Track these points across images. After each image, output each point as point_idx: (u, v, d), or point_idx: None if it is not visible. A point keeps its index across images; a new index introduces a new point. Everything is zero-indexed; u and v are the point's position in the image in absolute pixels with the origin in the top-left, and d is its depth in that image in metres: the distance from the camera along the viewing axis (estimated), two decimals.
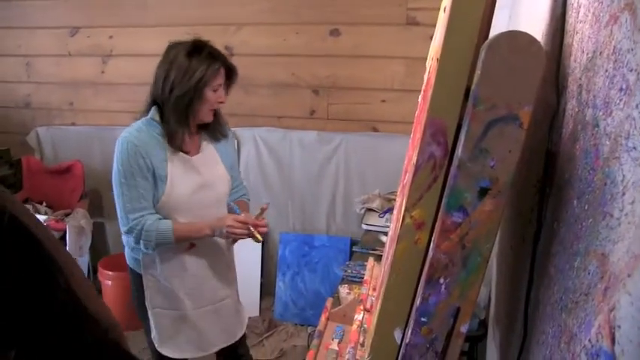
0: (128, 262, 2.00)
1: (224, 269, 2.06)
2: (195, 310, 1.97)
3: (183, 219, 1.86)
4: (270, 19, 3.27)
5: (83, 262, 3.57)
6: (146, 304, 1.94)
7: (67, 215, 3.36)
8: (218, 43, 3.31)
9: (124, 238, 1.95)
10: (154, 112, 1.85)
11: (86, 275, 3.61)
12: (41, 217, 3.21)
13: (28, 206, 3.41)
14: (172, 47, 1.86)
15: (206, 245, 1.96)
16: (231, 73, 1.92)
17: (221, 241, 2.00)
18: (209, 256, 1.98)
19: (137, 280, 1.95)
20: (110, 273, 3.26)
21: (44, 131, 3.79)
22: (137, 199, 1.79)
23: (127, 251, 1.99)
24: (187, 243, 1.90)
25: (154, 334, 1.96)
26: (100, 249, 3.78)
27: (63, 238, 3.20)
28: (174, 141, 1.85)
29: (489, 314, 1.76)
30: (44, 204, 3.54)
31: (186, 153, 1.89)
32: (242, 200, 2.16)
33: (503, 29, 0.68)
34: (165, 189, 1.83)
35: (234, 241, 1.97)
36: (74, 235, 3.22)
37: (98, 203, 3.78)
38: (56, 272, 0.47)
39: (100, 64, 3.64)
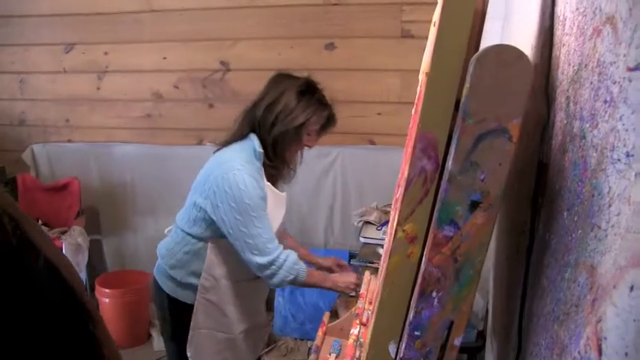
0: (163, 287, 1.91)
1: (267, 293, 2.08)
2: (240, 334, 1.95)
3: None
4: (265, 34, 3.28)
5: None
6: (191, 325, 1.87)
7: (63, 233, 3.35)
8: (214, 58, 3.38)
9: (163, 259, 1.90)
10: (257, 142, 1.79)
11: None
12: None
13: None
14: (283, 78, 1.83)
15: None
16: (330, 122, 1.89)
17: None
18: (265, 285, 1.96)
19: (171, 304, 1.90)
20: (107, 291, 3.24)
21: (40, 148, 3.77)
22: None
23: (161, 275, 1.92)
24: (253, 273, 1.83)
25: (190, 353, 1.89)
26: (97, 266, 3.75)
27: None
28: (270, 174, 1.83)
29: (487, 325, 1.76)
30: (40, 222, 3.52)
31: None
32: (294, 239, 2.22)
33: (497, 40, 0.69)
34: None
35: None
36: (71, 252, 3.21)
37: (95, 220, 3.76)
38: (87, 320, 0.47)
39: (95, 80, 3.64)
